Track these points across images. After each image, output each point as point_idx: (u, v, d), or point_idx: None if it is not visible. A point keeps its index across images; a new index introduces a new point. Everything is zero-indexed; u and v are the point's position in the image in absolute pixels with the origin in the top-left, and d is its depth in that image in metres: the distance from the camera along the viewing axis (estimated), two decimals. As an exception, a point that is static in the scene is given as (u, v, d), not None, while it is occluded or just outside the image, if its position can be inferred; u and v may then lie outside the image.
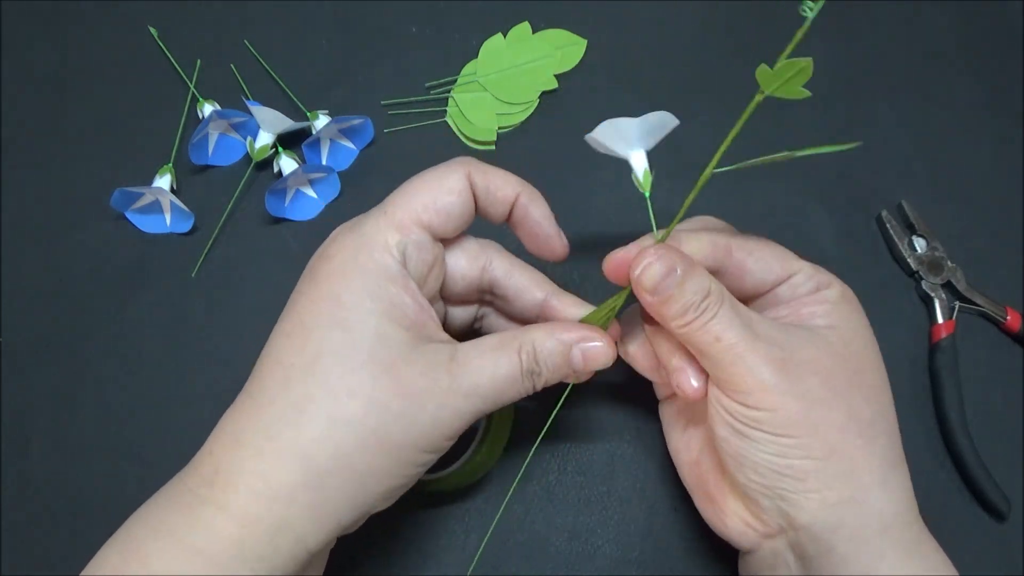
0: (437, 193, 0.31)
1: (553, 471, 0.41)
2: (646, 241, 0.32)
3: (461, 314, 0.36)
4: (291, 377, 0.28)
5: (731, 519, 0.32)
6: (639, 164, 0.32)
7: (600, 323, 0.33)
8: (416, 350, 0.29)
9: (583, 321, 0.33)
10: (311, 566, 0.30)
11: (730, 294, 0.31)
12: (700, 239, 0.32)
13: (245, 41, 0.50)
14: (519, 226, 0.34)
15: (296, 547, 0.27)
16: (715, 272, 0.33)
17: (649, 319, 0.33)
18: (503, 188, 0.32)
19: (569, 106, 0.49)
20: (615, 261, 0.32)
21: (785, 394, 0.29)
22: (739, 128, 0.29)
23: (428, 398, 0.28)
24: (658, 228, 0.32)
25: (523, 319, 0.35)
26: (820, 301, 0.32)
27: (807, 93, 0.27)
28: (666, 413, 0.38)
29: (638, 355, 0.35)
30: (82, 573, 0.27)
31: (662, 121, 0.31)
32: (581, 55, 0.50)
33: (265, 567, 0.27)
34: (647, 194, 0.32)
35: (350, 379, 0.28)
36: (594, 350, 0.31)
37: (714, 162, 0.30)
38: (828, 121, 0.49)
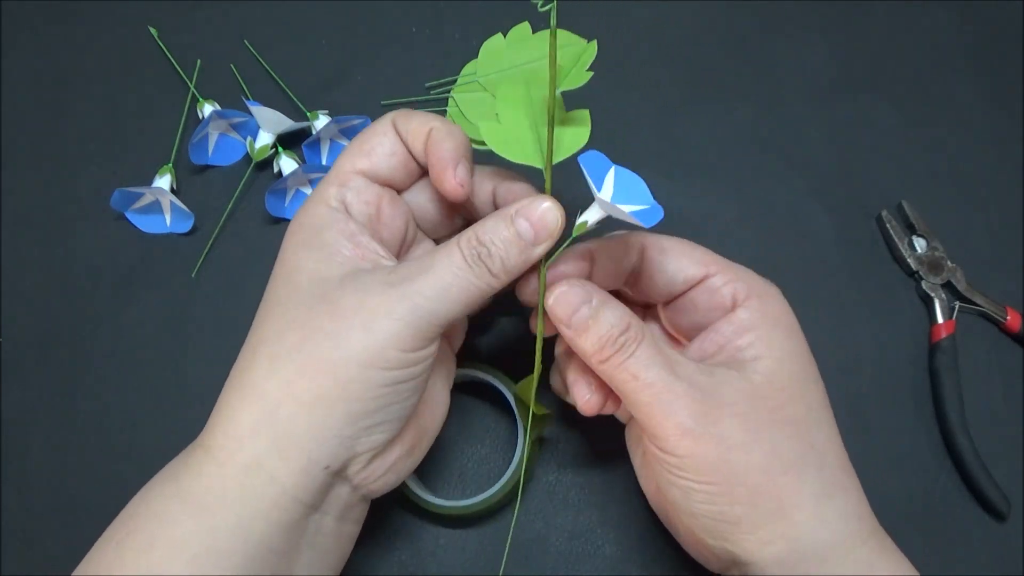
0: (364, 141, 0.32)
1: (553, 471, 0.41)
2: (544, 203, 0.30)
3: None
4: (251, 333, 0.31)
5: (694, 550, 0.32)
6: (593, 214, 0.31)
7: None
8: (352, 277, 0.29)
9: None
10: (313, 529, 0.29)
11: (652, 333, 0.30)
12: (611, 241, 0.32)
13: (245, 41, 0.50)
14: (430, 162, 0.32)
15: (272, 488, 0.28)
16: (632, 273, 0.33)
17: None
18: (418, 125, 0.32)
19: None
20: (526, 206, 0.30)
21: (701, 439, 0.28)
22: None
23: (359, 311, 0.28)
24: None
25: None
26: (741, 330, 0.31)
27: (588, 75, 0.29)
28: (629, 440, 0.36)
29: (560, 387, 0.35)
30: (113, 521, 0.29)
31: (631, 211, 0.29)
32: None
33: (248, 510, 0.27)
34: (572, 237, 0.31)
35: (289, 315, 0.29)
36: (539, 211, 0.30)
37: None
38: (828, 121, 0.49)
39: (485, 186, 0.33)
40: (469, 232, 0.30)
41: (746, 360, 0.30)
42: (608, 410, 0.33)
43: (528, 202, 0.30)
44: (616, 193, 0.29)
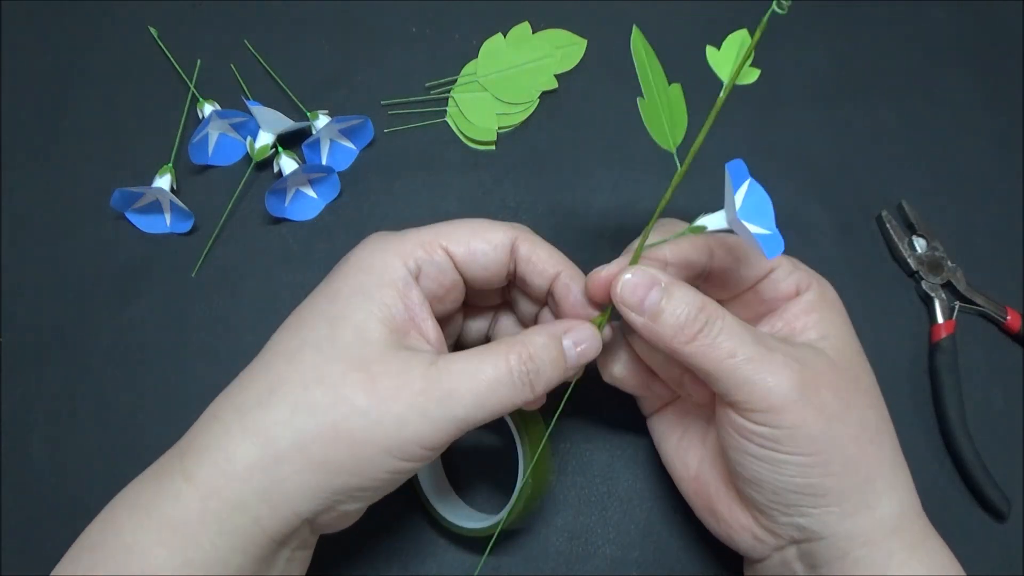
0: (475, 237, 0.31)
1: (553, 471, 0.41)
2: (625, 260, 0.31)
3: (477, 326, 0.37)
4: (272, 362, 0.29)
5: (739, 533, 0.32)
6: (715, 222, 0.30)
7: (597, 323, 0.33)
8: (395, 353, 0.29)
9: None
10: (281, 561, 0.29)
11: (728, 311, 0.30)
12: (681, 245, 0.32)
13: (245, 41, 0.50)
14: (558, 303, 0.33)
15: (254, 528, 0.27)
16: (702, 276, 0.33)
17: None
18: (546, 261, 0.32)
19: (569, 106, 0.49)
20: (596, 280, 0.31)
21: (806, 409, 0.28)
22: (685, 170, 0.29)
23: (396, 400, 0.28)
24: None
25: (537, 300, 0.35)
26: (807, 311, 0.32)
27: (756, 72, 0.28)
28: (657, 428, 0.37)
29: (624, 376, 0.34)
30: (70, 549, 0.28)
31: (756, 233, 0.28)
32: (581, 55, 0.50)
33: (227, 544, 0.27)
34: (682, 233, 0.31)
35: (322, 369, 0.28)
36: (583, 337, 0.31)
37: (660, 208, 0.30)
38: (828, 121, 0.49)
39: (549, 269, 0.32)
40: (520, 348, 0.29)
41: (814, 338, 0.31)
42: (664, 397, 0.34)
43: (576, 325, 0.31)
44: (744, 207, 0.28)
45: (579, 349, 0.31)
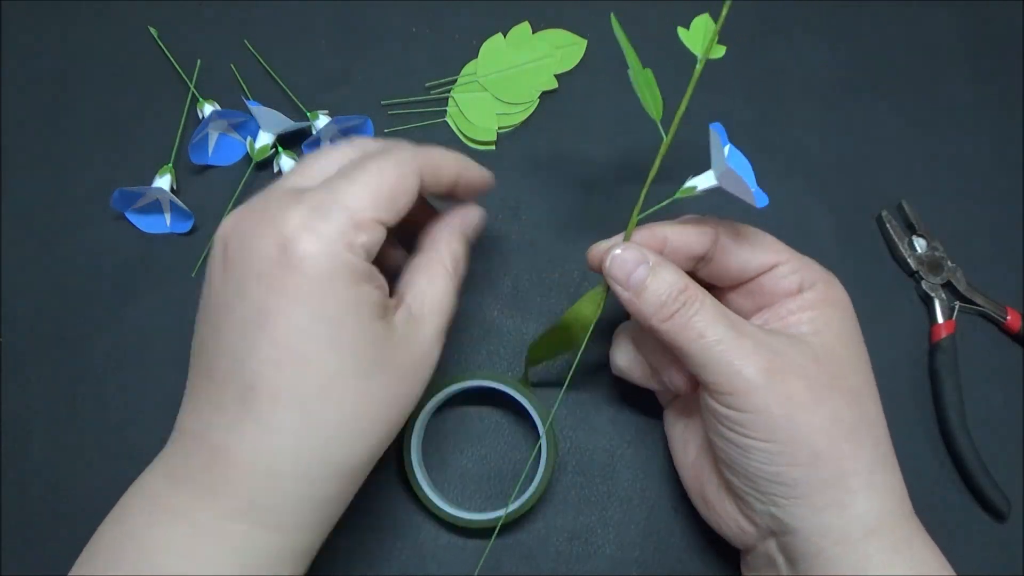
0: (397, 191, 0.29)
1: (553, 471, 0.41)
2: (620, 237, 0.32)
3: None
4: (263, 374, 0.27)
5: (726, 521, 0.33)
6: (704, 180, 0.31)
7: (590, 312, 0.33)
8: (390, 332, 0.29)
9: (574, 309, 0.34)
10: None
11: (712, 296, 0.31)
12: (685, 226, 0.33)
13: (245, 41, 0.50)
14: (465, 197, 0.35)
15: (276, 536, 0.28)
16: (702, 258, 0.33)
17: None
18: (445, 169, 0.33)
19: (569, 106, 0.49)
20: (595, 251, 0.33)
21: (769, 395, 0.29)
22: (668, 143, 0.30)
23: (416, 367, 0.30)
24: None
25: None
26: (804, 307, 0.32)
27: (722, 48, 0.30)
28: (668, 418, 0.38)
29: (629, 367, 0.35)
30: (85, 549, 0.28)
31: (741, 181, 0.29)
32: (581, 55, 0.50)
33: (246, 560, 0.27)
34: (674, 198, 0.32)
35: (329, 383, 0.28)
36: (471, 173, 0.34)
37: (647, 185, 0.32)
38: (828, 121, 0.49)
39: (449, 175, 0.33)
40: (445, 253, 0.33)
41: (806, 333, 0.31)
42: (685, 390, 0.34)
43: (471, 211, 0.35)
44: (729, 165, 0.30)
45: (463, 181, 0.33)
